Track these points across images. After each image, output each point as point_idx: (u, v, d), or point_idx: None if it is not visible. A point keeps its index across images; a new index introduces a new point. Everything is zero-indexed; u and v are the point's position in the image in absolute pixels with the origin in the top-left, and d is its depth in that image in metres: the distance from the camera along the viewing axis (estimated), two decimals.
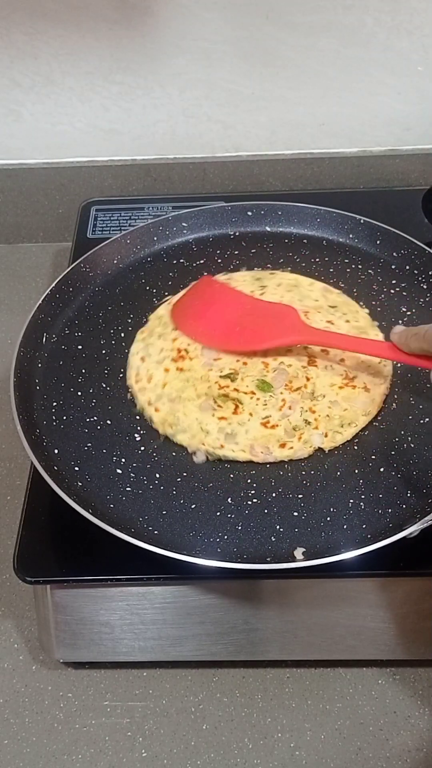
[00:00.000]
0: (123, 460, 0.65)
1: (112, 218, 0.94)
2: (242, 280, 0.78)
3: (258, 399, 0.67)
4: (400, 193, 0.96)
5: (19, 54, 0.92)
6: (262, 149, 1.00)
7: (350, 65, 0.93)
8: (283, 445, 0.65)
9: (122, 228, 0.92)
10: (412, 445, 0.66)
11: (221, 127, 0.99)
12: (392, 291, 0.79)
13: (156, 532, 0.60)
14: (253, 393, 0.67)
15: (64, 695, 0.68)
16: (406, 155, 1.00)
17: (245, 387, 0.68)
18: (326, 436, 0.65)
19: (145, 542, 0.57)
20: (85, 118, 0.98)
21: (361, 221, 0.84)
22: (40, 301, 0.75)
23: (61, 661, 0.69)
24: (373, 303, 0.77)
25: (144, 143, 1.00)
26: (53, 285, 0.77)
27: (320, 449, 0.65)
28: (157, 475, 0.64)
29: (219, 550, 0.59)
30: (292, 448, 0.65)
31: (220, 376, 0.69)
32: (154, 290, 0.80)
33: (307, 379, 0.68)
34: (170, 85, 0.95)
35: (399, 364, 0.71)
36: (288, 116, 0.97)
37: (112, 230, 0.92)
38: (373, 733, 0.64)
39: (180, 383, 0.69)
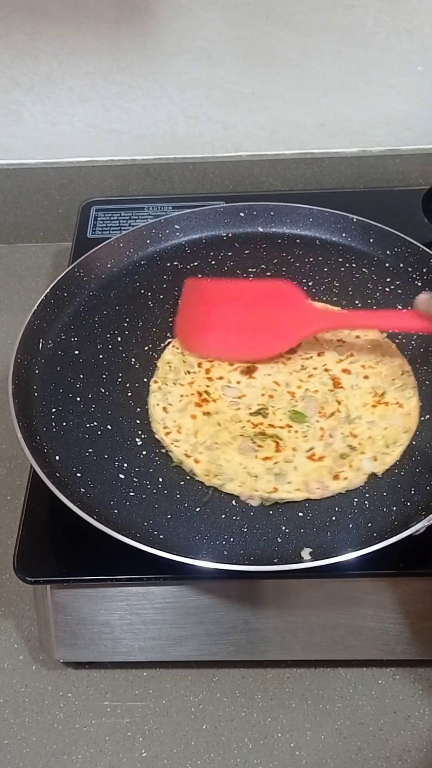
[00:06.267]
0: (125, 465, 0.65)
1: (112, 218, 0.94)
2: None
3: (296, 431, 0.66)
4: (400, 193, 0.96)
5: (19, 54, 0.92)
6: (262, 149, 1.00)
7: (350, 65, 0.93)
8: (336, 477, 0.63)
9: (122, 228, 0.92)
10: (414, 443, 0.66)
11: (221, 127, 0.99)
12: (387, 289, 0.79)
13: (162, 536, 0.60)
14: (289, 426, 0.66)
15: (64, 695, 0.68)
16: (406, 155, 1.00)
17: (279, 421, 0.67)
18: (375, 459, 0.64)
19: (151, 547, 0.57)
20: (85, 118, 0.98)
21: (354, 220, 0.84)
22: (35, 307, 0.75)
23: (61, 661, 0.69)
24: (369, 302, 0.77)
25: (144, 143, 1.00)
26: (48, 291, 0.77)
27: (373, 474, 0.63)
28: (161, 479, 0.64)
29: (226, 553, 0.59)
30: (346, 478, 0.63)
31: (251, 414, 0.67)
32: (149, 293, 0.80)
33: (338, 402, 0.68)
34: (170, 85, 0.95)
35: (421, 371, 0.70)
36: (288, 116, 0.97)
37: (112, 230, 0.92)
38: (373, 733, 0.64)
39: (211, 428, 0.66)
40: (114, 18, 0.89)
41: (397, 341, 0.73)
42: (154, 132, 0.99)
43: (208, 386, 0.70)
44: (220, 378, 0.71)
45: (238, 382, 0.70)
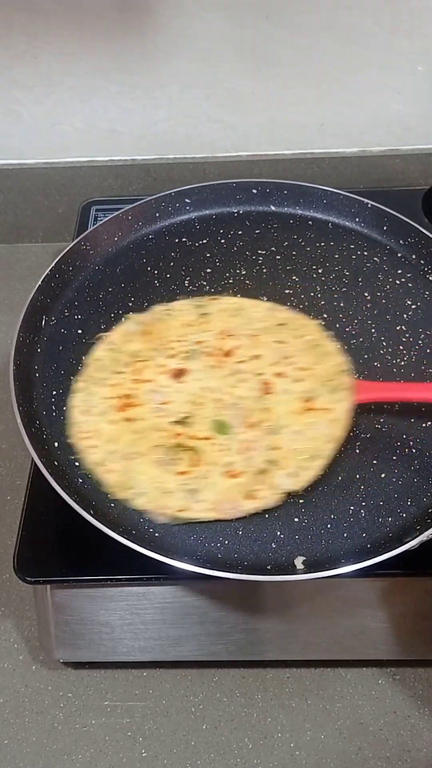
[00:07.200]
0: None
1: None
2: (183, 309, 0.73)
3: (216, 444, 0.62)
4: (400, 193, 0.96)
5: (19, 54, 0.92)
6: (262, 149, 1.00)
7: (350, 65, 0.93)
8: (250, 496, 0.60)
9: None
10: (414, 450, 0.65)
11: (221, 127, 0.99)
12: (398, 282, 0.78)
13: (157, 534, 0.60)
14: (211, 438, 0.63)
15: (64, 695, 0.68)
16: (406, 155, 1.00)
17: (200, 432, 0.63)
18: (294, 476, 0.61)
19: (146, 547, 0.56)
20: (85, 118, 0.98)
21: (369, 205, 0.83)
22: (39, 282, 0.74)
23: (61, 661, 0.69)
24: (378, 294, 0.77)
25: (144, 143, 1.00)
26: (53, 264, 0.76)
27: (290, 493, 0.61)
28: None
29: (220, 556, 0.59)
30: (261, 498, 0.60)
31: (173, 423, 0.64)
32: (156, 271, 0.79)
33: (265, 411, 0.64)
34: (170, 85, 0.95)
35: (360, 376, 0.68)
36: (288, 116, 0.97)
37: None
38: (373, 733, 0.64)
39: (130, 436, 0.63)
40: (114, 18, 0.89)
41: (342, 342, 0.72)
42: (154, 132, 0.99)
43: (134, 389, 0.66)
44: (149, 381, 0.67)
45: (167, 387, 0.67)
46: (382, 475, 0.64)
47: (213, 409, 0.65)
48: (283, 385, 0.66)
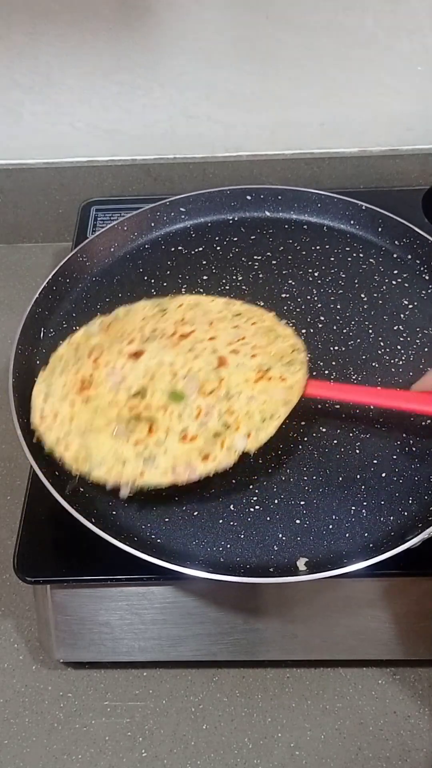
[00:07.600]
0: None
1: (112, 218, 0.94)
2: (142, 308, 0.73)
3: (172, 412, 0.62)
4: (400, 193, 0.96)
5: (19, 54, 0.92)
6: (262, 149, 1.00)
7: (350, 65, 0.93)
8: (206, 458, 0.60)
9: None
10: (414, 449, 0.66)
11: (221, 127, 0.99)
12: (394, 282, 0.79)
13: (159, 540, 0.60)
14: (166, 407, 0.62)
15: (64, 695, 0.68)
16: (406, 155, 1.00)
17: (157, 401, 0.63)
18: (249, 436, 0.61)
19: (148, 553, 0.57)
20: (85, 118, 0.98)
21: (363, 207, 0.83)
22: (37, 295, 0.74)
23: (61, 661, 0.69)
24: (375, 295, 0.77)
25: (144, 143, 1.00)
26: (50, 276, 0.76)
27: (245, 453, 0.61)
28: None
29: (222, 560, 0.59)
30: (215, 458, 0.60)
31: (130, 396, 0.64)
32: (152, 281, 0.80)
33: (220, 380, 0.64)
34: (170, 85, 0.95)
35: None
36: (288, 116, 0.97)
37: None
38: (373, 733, 0.64)
39: (88, 414, 0.63)
40: (114, 18, 0.89)
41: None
42: (154, 132, 0.99)
43: (92, 373, 0.66)
44: (107, 364, 0.67)
45: (123, 367, 0.66)
46: (383, 474, 0.64)
47: (168, 381, 0.64)
48: (238, 359, 0.66)
